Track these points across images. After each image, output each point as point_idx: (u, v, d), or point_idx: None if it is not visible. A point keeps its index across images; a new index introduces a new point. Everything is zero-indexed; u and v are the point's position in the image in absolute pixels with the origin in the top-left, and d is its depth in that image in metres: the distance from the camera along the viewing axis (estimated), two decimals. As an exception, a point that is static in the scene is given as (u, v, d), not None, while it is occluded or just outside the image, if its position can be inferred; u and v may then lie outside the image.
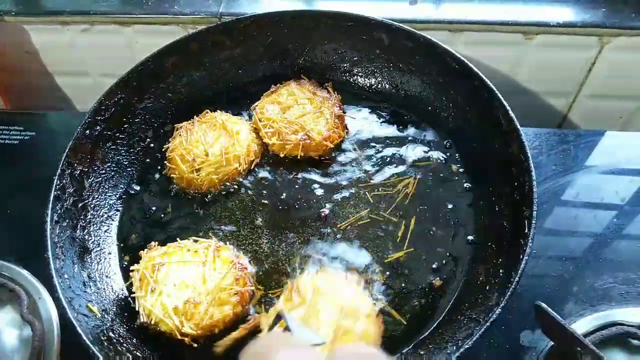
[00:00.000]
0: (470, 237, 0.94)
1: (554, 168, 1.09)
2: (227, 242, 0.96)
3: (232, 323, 0.85)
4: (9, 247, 1.01)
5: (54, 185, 0.89)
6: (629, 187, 1.05)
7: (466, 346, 0.71)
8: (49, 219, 0.85)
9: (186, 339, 0.81)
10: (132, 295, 0.87)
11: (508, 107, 0.91)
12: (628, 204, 1.03)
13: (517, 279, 0.74)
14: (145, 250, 0.91)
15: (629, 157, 1.10)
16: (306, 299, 0.81)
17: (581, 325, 0.86)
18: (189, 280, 0.85)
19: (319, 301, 0.80)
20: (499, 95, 0.93)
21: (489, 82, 0.95)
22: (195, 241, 0.92)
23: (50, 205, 0.87)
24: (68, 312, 0.77)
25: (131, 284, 0.87)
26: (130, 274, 0.89)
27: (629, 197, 1.04)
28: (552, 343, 0.84)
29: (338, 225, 0.97)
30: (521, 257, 0.76)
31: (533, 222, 0.78)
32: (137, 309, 0.84)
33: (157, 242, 0.93)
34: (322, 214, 0.99)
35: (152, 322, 0.82)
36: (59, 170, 0.91)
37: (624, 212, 1.01)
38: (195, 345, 0.83)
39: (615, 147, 1.12)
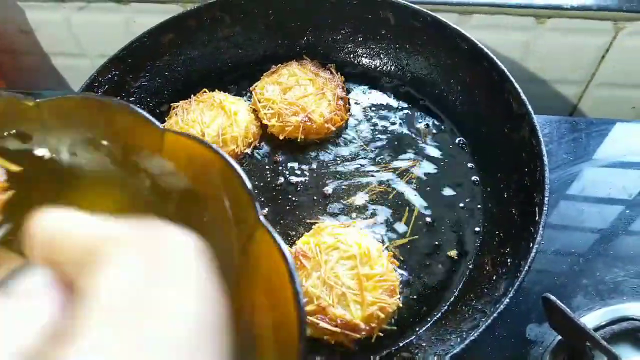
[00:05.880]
0: (476, 227, 0.91)
1: (565, 157, 1.06)
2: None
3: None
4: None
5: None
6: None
7: (472, 337, 0.67)
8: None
9: None
10: None
11: (519, 89, 0.87)
12: (641, 195, 0.99)
13: (526, 267, 0.71)
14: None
15: (641, 148, 1.06)
16: (318, 259, 0.78)
17: (591, 320, 0.83)
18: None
19: (330, 259, 0.78)
20: (510, 77, 0.89)
21: (500, 63, 0.91)
22: None
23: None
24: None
25: None
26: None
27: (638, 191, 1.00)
28: (560, 337, 0.81)
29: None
30: (531, 245, 0.73)
31: (544, 208, 0.75)
32: None
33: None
34: (325, 193, 0.96)
35: None
36: (47, 148, 0.87)
37: (635, 205, 0.97)
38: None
39: (627, 137, 1.08)
